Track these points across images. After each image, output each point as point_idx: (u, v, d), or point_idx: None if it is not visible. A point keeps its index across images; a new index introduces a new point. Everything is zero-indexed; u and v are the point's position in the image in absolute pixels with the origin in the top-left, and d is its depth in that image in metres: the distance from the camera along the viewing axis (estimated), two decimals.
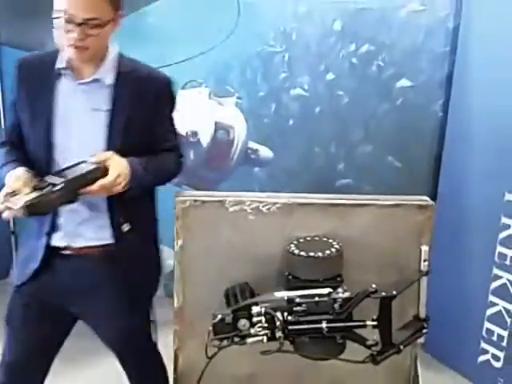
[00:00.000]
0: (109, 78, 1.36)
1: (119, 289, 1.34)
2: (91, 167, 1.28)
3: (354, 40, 2.41)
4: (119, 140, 1.33)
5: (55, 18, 1.30)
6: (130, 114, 1.36)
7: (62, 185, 1.22)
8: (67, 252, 1.35)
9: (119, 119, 1.35)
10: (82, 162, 1.30)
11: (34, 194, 1.20)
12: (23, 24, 2.77)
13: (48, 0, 2.70)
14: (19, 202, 1.18)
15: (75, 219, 1.35)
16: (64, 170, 1.30)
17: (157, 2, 2.61)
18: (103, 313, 1.36)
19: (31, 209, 1.18)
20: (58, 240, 1.35)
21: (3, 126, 3.04)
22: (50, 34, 2.99)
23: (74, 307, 1.37)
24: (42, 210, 1.23)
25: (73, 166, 1.30)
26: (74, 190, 1.25)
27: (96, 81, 1.35)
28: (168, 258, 2.88)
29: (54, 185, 1.22)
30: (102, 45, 1.38)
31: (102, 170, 1.27)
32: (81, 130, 1.35)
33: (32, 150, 1.37)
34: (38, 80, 1.39)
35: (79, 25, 1.27)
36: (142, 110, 1.38)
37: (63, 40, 1.31)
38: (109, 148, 1.32)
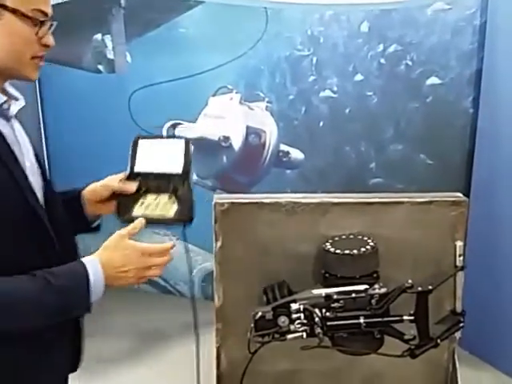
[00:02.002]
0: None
1: None
2: (181, 140, 1.12)
3: (382, 40, 2.43)
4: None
5: (34, 22, 0.99)
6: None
7: (185, 175, 1.09)
8: None
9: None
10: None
11: (173, 199, 1.07)
12: (61, 40, 2.88)
13: (84, 17, 2.83)
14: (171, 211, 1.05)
15: None
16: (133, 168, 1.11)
17: (187, 13, 2.69)
18: None
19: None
20: None
21: (43, 137, 3.17)
22: (86, 50, 3.13)
23: None
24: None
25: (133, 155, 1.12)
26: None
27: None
28: (204, 261, 2.96)
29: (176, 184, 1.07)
30: None
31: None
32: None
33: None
34: None
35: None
36: None
37: (26, 53, 0.99)
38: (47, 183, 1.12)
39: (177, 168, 1.11)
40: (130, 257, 1.02)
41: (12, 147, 1.01)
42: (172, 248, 1.07)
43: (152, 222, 1.07)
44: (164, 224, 1.12)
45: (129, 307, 2.98)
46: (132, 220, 1.05)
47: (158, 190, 1.10)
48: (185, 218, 1.09)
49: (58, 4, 2.82)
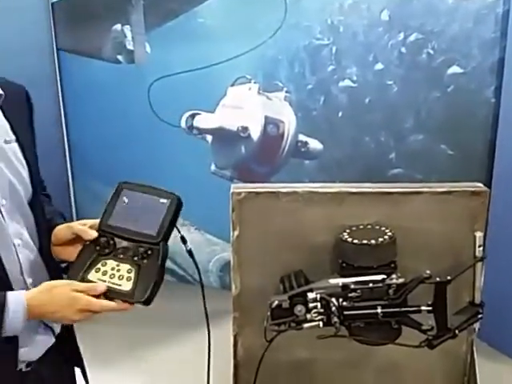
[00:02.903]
0: None
1: None
2: (168, 200, 0.99)
3: (402, 29, 2.40)
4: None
5: None
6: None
7: (162, 242, 0.97)
8: None
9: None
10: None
11: (133, 275, 0.95)
12: (81, 31, 2.91)
13: (104, 7, 2.84)
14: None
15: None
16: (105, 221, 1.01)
17: (206, 2, 2.68)
18: None
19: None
20: None
21: (64, 127, 3.21)
22: (105, 40, 3.15)
23: None
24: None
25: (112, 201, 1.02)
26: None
27: None
28: (222, 250, 2.97)
29: (147, 249, 0.97)
30: None
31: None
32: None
33: None
34: None
35: None
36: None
37: None
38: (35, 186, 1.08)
39: (152, 231, 0.99)
40: (62, 306, 0.94)
41: None
42: (115, 310, 0.96)
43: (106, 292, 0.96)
44: (115, 299, 0.96)
45: None
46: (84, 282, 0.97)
47: (124, 254, 0.99)
48: (139, 298, 0.96)
49: None
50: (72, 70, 3.09)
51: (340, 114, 2.58)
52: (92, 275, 0.97)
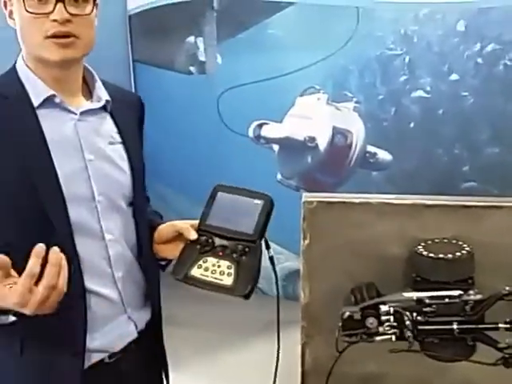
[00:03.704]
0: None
1: None
2: (262, 201, 1.07)
3: (479, 40, 2.35)
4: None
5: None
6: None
7: (258, 241, 1.05)
8: None
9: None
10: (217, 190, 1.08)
11: (233, 270, 1.01)
12: (156, 43, 3.03)
13: (178, 20, 2.94)
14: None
15: None
16: (205, 217, 1.07)
17: (277, 14, 2.72)
18: None
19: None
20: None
21: None
22: (179, 52, 3.25)
23: None
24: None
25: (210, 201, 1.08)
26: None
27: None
28: (286, 260, 2.97)
29: (244, 246, 1.03)
30: (92, 38, 1.06)
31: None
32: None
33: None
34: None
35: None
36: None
37: (38, 32, 0.97)
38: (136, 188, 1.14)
39: (249, 229, 1.06)
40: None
41: (52, 138, 1.01)
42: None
43: (207, 288, 1.03)
44: (217, 292, 1.03)
45: (210, 300, 3.06)
46: (187, 279, 1.02)
47: (223, 251, 1.05)
48: (239, 293, 1.03)
49: (154, 8, 2.96)
50: (146, 81, 3.21)
51: (412, 124, 2.54)
52: (195, 271, 1.03)
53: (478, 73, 2.36)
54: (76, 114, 1.06)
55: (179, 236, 1.12)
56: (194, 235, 1.07)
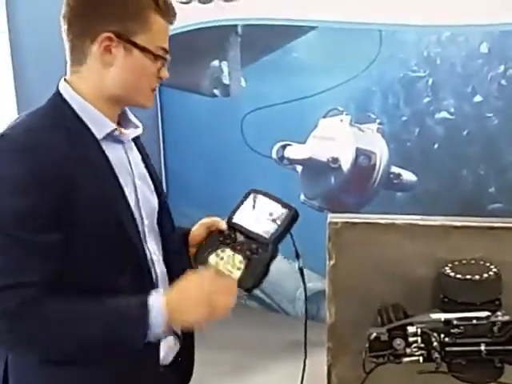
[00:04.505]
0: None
1: None
2: (287, 211, 1.17)
3: (503, 61, 2.35)
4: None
5: (157, 57, 1.07)
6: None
7: (272, 246, 1.11)
8: None
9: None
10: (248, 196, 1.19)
11: (243, 266, 1.09)
12: (182, 67, 3.10)
13: (204, 45, 2.99)
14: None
15: None
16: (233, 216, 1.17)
17: (301, 38, 2.77)
18: None
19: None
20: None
21: (162, 157, 3.39)
22: (204, 75, 3.30)
23: None
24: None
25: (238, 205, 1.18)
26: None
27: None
28: (309, 280, 2.96)
29: (258, 247, 1.10)
30: None
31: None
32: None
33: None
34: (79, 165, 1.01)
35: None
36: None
37: (146, 85, 1.08)
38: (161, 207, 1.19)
39: (267, 233, 1.13)
40: (189, 286, 1.05)
41: (117, 168, 1.07)
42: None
43: (218, 275, 1.10)
44: None
45: (233, 321, 3.07)
46: (204, 263, 1.12)
47: (241, 247, 1.12)
48: (244, 286, 1.10)
49: (179, 34, 3.03)
50: (172, 103, 3.28)
51: (436, 145, 2.55)
52: (212, 258, 1.13)
53: (501, 94, 2.36)
54: (124, 143, 1.12)
55: (210, 232, 1.20)
56: (224, 226, 1.17)
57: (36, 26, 2.19)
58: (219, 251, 1.13)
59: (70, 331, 0.97)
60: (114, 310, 1.00)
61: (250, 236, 1.14)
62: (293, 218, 1.18)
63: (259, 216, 1.16)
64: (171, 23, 1.09)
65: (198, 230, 1.23)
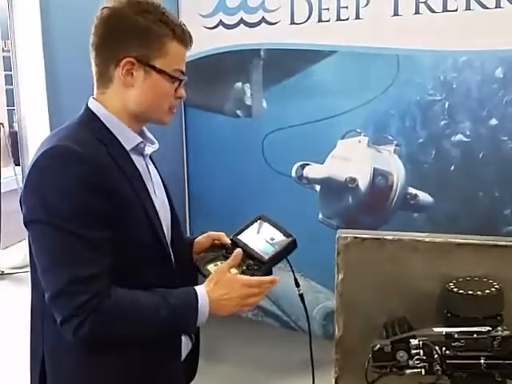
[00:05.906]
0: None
1: None
2: (287, 239, 1.27)
3: None
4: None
5: (173, 78, 1.16)
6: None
7: (267, 265, 1.22)
8: None
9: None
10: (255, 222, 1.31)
11: None
12: (206, 88, 3.20)
13: (228, 67, 3.09)
14: None
15: None
16: (238, 235, 1.30)
17: (321, 62, 2.85)
18: None
19: None
20: None
21: (186, 176, 3.48)
22: (227, 97, 3.40)
23: None
24: None
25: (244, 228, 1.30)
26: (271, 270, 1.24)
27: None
28: (326, 299, 2.99)
29: (254, 264, 1.22)
30: None
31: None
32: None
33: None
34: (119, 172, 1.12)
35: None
36: None
37: (164, 104, 1.18)
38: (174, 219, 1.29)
39: (265, 256, 1.24)
40: (232, 287, 1.17)
41: (145, 180, 1.18)
42: (272, 282, 1.21)
43: None
44: None
45: (250, 338, 3.09)
46: (203, 270, 1.24)
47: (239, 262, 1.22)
48: None
49: (204, 57, 3.14)
50: (195, 123, 3.38)
51: (452, 167, 2.57)
52: (211, 267, 1.24)
53: None
54: (145, 156, 1.23)
55: (212, 245, 1.33)
56: (227, 240, 1.30)
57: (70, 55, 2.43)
58: (218, 262, 1.24)
59: (144, 316, 1.09)
60: (174, 296, 1.11)
61: (249, 253, 1.24)
62: (291, 245, 1.27)
63: (261, 239, 1.27)
64: (188, 48, 1.19)
65: (203, 239, 1.35)
